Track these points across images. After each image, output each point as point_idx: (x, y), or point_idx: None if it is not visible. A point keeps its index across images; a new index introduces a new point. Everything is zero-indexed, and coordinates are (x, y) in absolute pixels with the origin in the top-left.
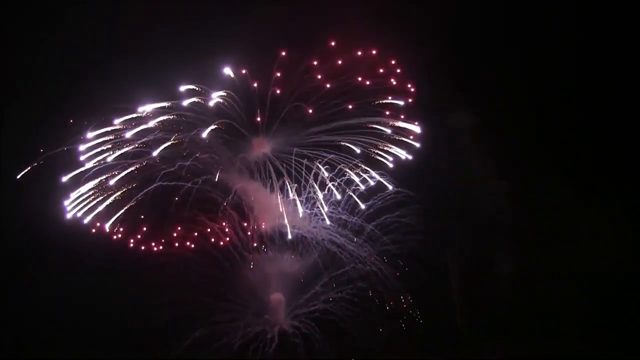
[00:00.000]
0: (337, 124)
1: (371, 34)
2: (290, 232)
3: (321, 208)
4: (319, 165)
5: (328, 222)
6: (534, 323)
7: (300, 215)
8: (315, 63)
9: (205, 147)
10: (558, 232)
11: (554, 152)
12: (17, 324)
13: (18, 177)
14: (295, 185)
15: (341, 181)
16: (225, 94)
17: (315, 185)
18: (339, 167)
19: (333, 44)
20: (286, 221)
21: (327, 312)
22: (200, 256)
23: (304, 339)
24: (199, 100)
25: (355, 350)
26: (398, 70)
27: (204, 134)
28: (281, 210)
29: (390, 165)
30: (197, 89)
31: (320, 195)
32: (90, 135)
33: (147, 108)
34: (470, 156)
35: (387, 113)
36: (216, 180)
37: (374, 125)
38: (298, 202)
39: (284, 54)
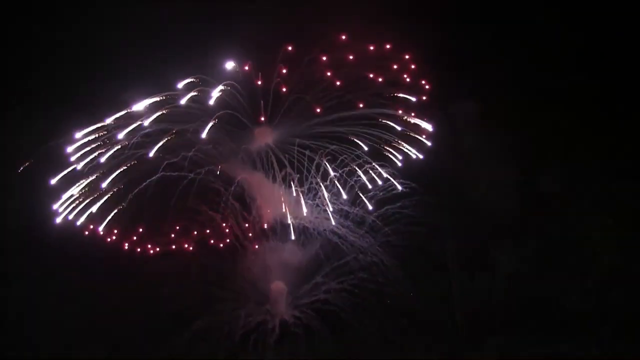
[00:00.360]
0: (341, 114)
1: (383, 28)
2: (292, 224)
3: (323, 199)
4: (322, 158)
5: (331, 213)
6: (533, 320)
7: (303, 207)
8: (324, 58)
9: (207, 137)
10: (560, 227)
11: (557, 146)
12: (15, 326)
13: (20, 170)
14: (298, 175)
15: (343, 172)
16: (228, 85)
17: (317, 177)
18: (341, 157)
19: (344, 37)
20: (288, 212)
21: (328, 302)
22: (201, 248)
23: (304, 329)
24: (200, 91)
25: (356, 340)
26: (413, 67)
27: (204, 134)
28: (283, 201)
29: (399, 164)
30: (199, 81)
31: (325, 192)
32: (89, 131)
33: (146, 102)
34: (473, 149)
35: (400, 112)
36: (218, 172)
37: (383, 120)
38: (300, 194)
39: (290, 48)
